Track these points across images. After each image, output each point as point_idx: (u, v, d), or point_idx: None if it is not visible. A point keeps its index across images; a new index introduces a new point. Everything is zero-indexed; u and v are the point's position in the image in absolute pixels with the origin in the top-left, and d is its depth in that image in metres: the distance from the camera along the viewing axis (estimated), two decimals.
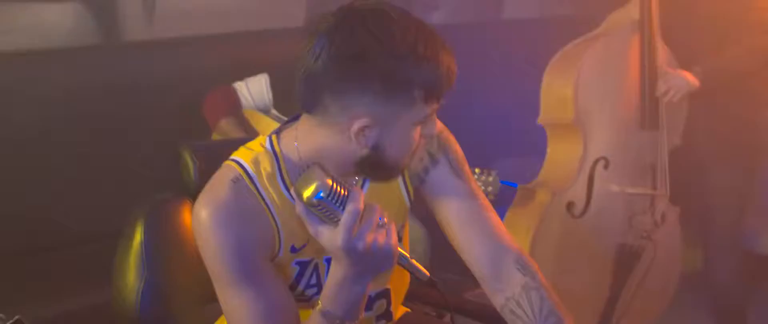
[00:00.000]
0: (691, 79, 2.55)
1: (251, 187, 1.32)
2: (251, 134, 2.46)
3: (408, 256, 1.28)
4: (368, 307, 1.48)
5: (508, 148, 3.00)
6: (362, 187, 1.40)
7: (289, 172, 1.33)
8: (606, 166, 2.56)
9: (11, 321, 1.16)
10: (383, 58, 1.20)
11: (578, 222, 2.55)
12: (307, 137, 1.31)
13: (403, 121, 1.25)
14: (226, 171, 1.33)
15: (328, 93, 1.23)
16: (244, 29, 2.90)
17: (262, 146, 1.36)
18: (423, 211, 1.54)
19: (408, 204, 1.47)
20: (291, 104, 1.43)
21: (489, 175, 2.43)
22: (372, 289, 1.40)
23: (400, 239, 1.44)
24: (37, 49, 2.57)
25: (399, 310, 1.63)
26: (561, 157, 2.62)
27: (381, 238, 1.20)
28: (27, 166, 2.46)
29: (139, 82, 2.67)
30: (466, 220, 1.43)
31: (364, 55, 1.20)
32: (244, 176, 1.32)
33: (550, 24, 3.28)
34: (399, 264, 1.28)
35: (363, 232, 1.19)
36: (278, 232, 1.34)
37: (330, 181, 1.18)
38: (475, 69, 2.87)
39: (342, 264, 1.22)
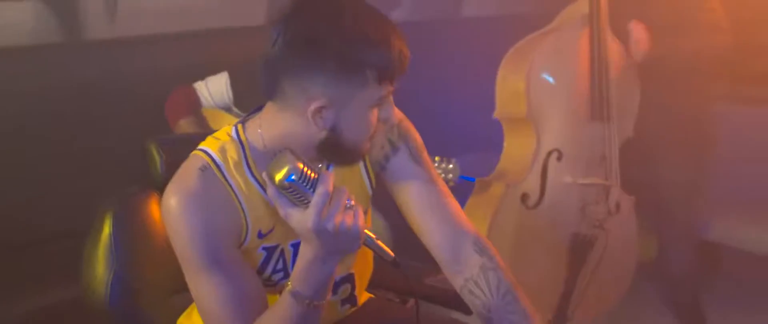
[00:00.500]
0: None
1: (219, 175, 1.35)
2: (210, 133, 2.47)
3: (374, 237, 1.33)
4: (333, 291, 1.52)
5: (468, 144, 3.01)
6: None
7: (255, 160, 1.38)
8: (559, 158, 2.58)
9: None
10: (336, 41, 1.25)
11: (532, 213, 2.57)
12: (270, 124, 1.36)
13: (357, 101, 1.30)
14: (194, 160, 1.37)
15: (285, 77, 1.29)
16: (206, 27, 2.91)
17: (229, 135, 1.40)
18: (385, 204, 1.59)
19: (370, 191, 1.52)
20: (252, 102, 1.47)
21: (449, 162, 2.48)
22: (337, 273, 1.44)
23: None
24: None
25: (363, 296, 1.67)
26: (516, 150, 2.64)
27: (349, 220, 1.25)
28: None
29: (102, 80, 2.65)
30: (426, 205, 1.48)
31: (318, 39, 1.25)
32: (212, 165, 1.35)
33: (508, 21, 3.32)
34: (365, 244, 1.32)
35: (332, 214, 1.23)
36: (245, 218, 1.37)
37: (301, 165, 1.23)
38: (436, 66, 2.92)
39: (312, 245, 1.26)
